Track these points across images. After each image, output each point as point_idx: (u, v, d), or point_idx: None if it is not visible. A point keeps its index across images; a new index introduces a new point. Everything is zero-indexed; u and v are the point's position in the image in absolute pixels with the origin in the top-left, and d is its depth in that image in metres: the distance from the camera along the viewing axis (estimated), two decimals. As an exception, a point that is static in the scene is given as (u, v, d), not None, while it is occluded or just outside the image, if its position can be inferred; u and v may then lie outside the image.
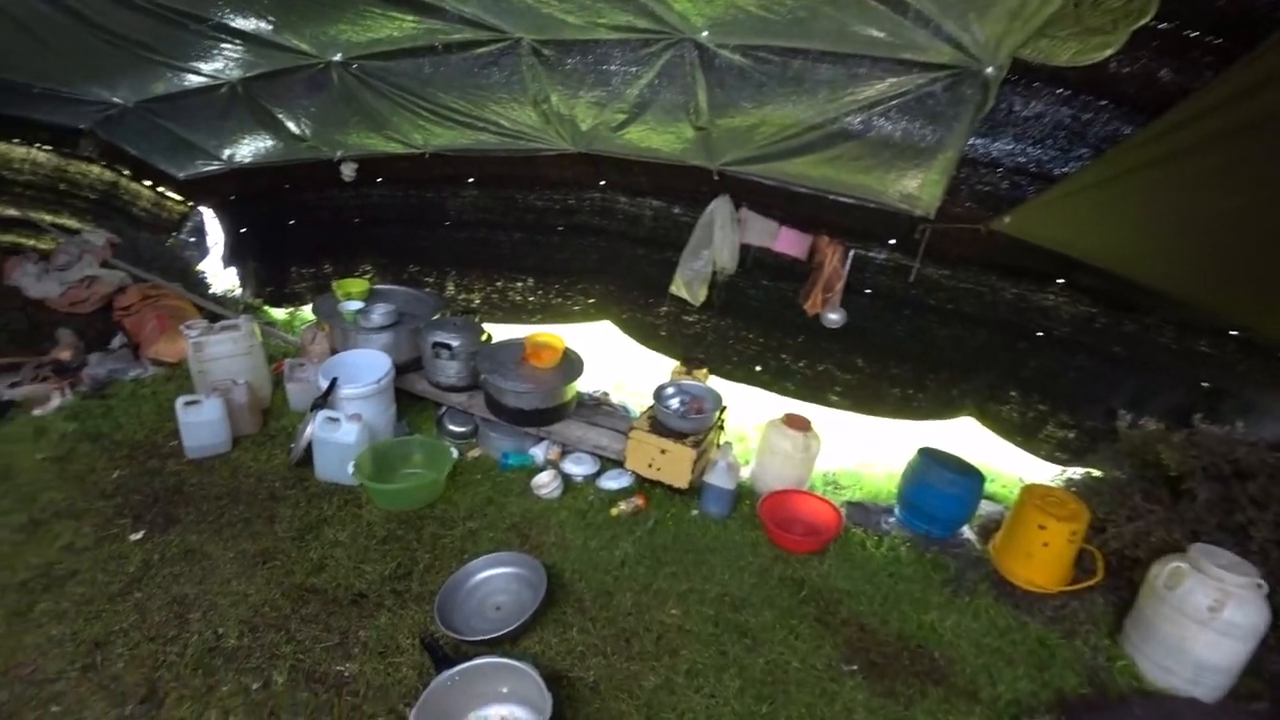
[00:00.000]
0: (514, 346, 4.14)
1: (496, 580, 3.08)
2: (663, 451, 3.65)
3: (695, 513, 3.74)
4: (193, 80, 4.63)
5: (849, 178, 3.58)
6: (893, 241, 3.96)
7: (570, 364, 4.03)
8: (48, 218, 5.80)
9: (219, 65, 4.39)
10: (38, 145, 5.50)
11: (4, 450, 4.07)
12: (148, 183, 6.30)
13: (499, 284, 5.38)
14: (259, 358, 4.35)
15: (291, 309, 6.58)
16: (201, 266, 6.64)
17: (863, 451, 4.69)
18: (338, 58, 4.10)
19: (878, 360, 4.35)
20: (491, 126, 4.27)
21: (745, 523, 3.73)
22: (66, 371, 4.93)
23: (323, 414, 3.62)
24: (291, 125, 5.02)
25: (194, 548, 3.28)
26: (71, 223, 5.95)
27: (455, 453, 3.85)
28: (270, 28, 3.76)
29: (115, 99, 5.04)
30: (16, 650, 2.80)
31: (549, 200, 4.96)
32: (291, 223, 6.41)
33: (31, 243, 5.73)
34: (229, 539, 3.35)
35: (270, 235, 6.53)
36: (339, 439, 3.58)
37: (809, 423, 3.91)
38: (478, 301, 5.52)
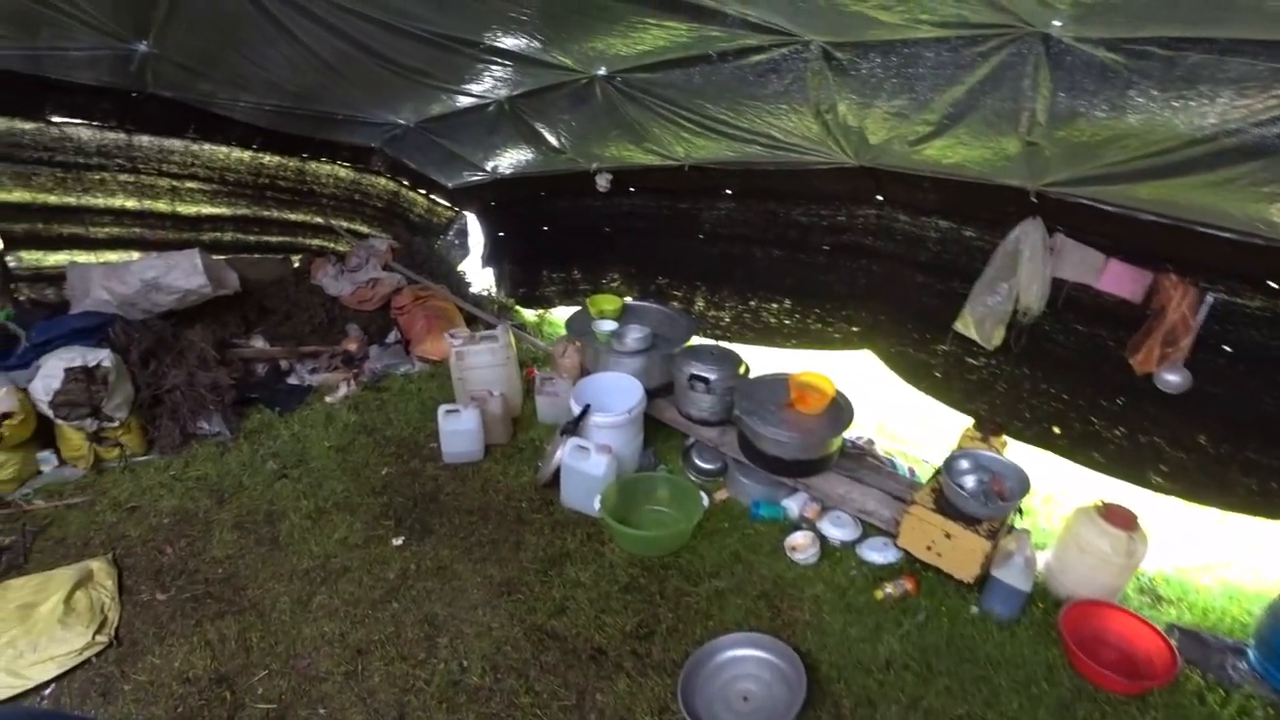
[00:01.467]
0: (775, 384, 3.73)
1: (746, 664, 2.73)
2: (947, 536, 3.05)
3: (976, 610, 3.08)
4: (464, 101, 4.83)
5: (1241, 208, 2.69)
6: (1277, 285, 2.94)
7: (839, 412, 3.54)
8: (344, 224, 6.51)
9: (488, 85, 4.50)
10: (339, 162, 6.17)
11: (303, 434, 4.54)
12: (422, 191, 6.87)
13: (752, 303, 5.02)
14: (513, 369, 4.44)
15: (542, 311, 6.81)
16: (463, 267, 7.10)
17: (1193, 553, 3.67)
18: (602, 72, 3.97)
19: (1229, 438, 3.27)
20: (761, 139, 3.90)
21: (1038, 633, 2.98)
22: (353, 362, 5.45)
23: (573, 442, 3.53)
24: (551, 138, 5.07)
25: (445, 564, 3.34)
26: (362, 229, 6.65)
27: (705, 501, 3.55)
28: (539, 46, 3.73)
29: (400, 120, 5.48)
30: (297, 640, 2.99)
31: (815, 216, 4.48)
32: (545, 229, 6.60)
33: (332, 246, 6.47)
34: (477, 560, 3.36)
35: (525, 240, 6.80)
36: (588, 470, 3.46)
37: (1135, 519, 3.05)
38: (728, 319, 5.22)
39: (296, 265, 6.14)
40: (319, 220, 6.29)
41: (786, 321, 4.89)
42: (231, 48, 4.02)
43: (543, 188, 6.14)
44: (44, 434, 4.23)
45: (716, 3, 2.87)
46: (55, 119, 4.79)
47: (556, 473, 3.65)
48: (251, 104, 4.80)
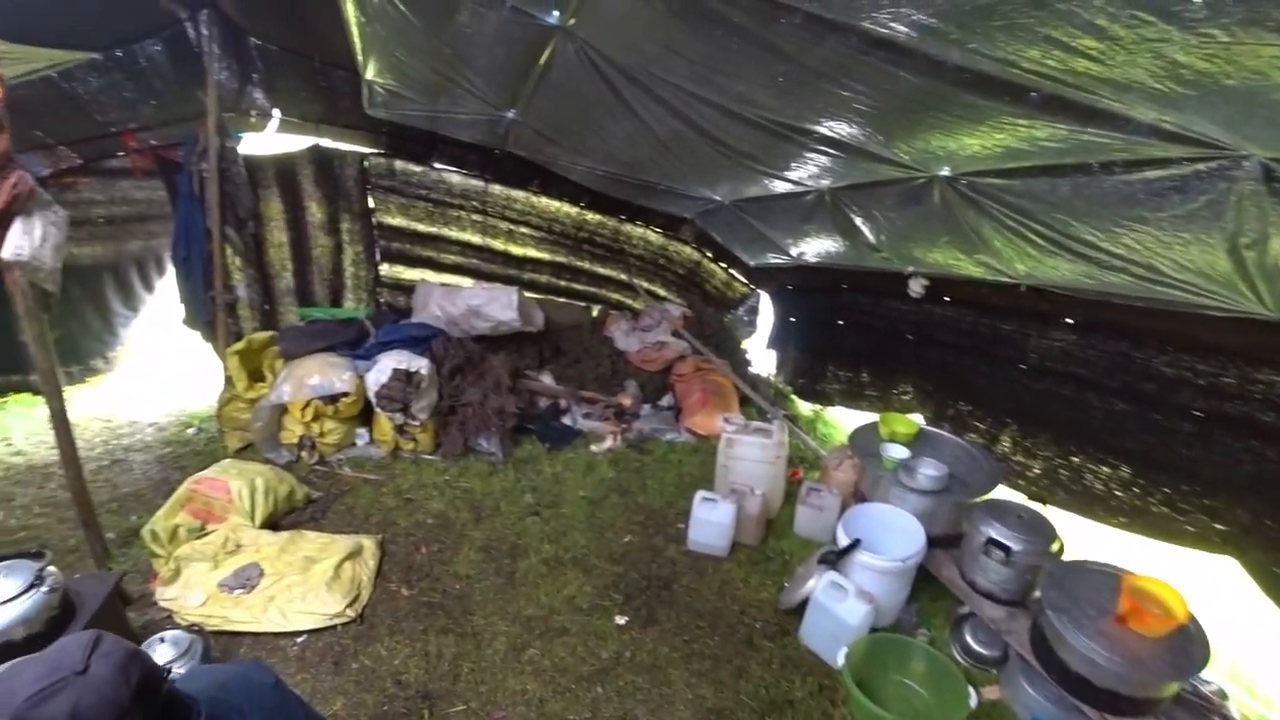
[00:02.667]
0: (1100, 580, 2.88)
1: None
2: None
3: None
4: (781, 186, 4.73)
5: None
6: None
7: (1188, 645, 2.60)
8: (644, 285, 6.81)
9: (812, 174, 4.34)
10: (651, 227, 6.50)
11: (563, 477, 4.68)
12: (723, 265, 6.95)
13: (1075, 459, 4.13)
14: (780, 469, 4.11)
15: (818, 407, 6.41)
16: (747, 345, 6.98)
17: None
18: (945, 173, 3.57)
19: None
20: (1136, 268, 3.18)
21: None
22: (624, 416, 5.57)
23: (831, 577, 3.09)
24: (869, 234, 4.75)
25: (660, 665, 3.08)
26: (660, 291, 6.89)
27: (972, 696, 2.77)
28: (880, 140, 3.45)
29: (715, 197, 5.58)
30: (499, 689, 2.93)
31: (1187, 370, 3.54)
32: (840, 322, 6.24)
33: (629, 303, 6.79)
34: (694, 674, 3.05)
35: (816, 329, 6.49)
36: (840, 614, 3.00)
37: None
38: (1038, 471, 4.37)
39: (595, 315, 6.57)
40: (623, 277, 6.68)
41: (1119, 494, 3.91)
42: (580, 120, 4.39)
43: (846, 280, 5.81)
44: (365, 415, 4.91)
45: (1123, 105, 2.37)
46: (436, 165, 5.74)
47: (803, 602, 3.22)
48: (587, 168, 5.25)
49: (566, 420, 5.49)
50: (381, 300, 6.27)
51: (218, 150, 4.77)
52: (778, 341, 6.98)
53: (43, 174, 5.28)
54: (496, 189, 5.92)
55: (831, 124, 3.45)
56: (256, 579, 3.47)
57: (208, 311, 5.10)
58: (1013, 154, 3.10)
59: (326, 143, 5.56)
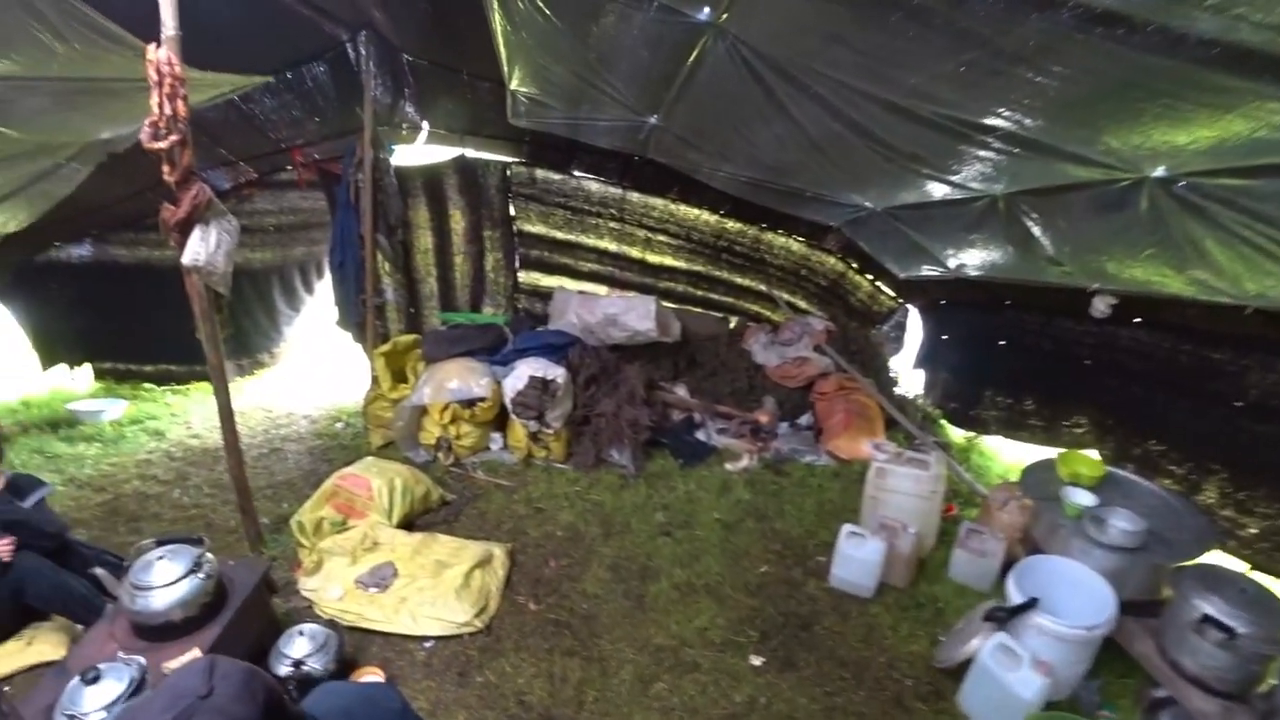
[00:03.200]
0: None
1: None
2: None
3: None
4: (942, 191, 4.26)
5: None
6: None
7: None
8: (785, 296, 6.47)
9: (987, 176, 3.86)
10: (794, 236, 6.15)
11: (696, 496, 4.45)
12: (869, 277, 6.47)
13: (1309, 519, 3.42)
14: (935, 505, 3.67)
15: (973, 435, 5.81)
16: (894, 363, 6.45)
17: None
18: (1160, 173, 3.02)
19: None
20: None
21: None
22: (760, 434, 5.28)
23: (1000, 639, 2.65)
24: (1048, 245, 4.18)
25: (798, 716, 2.78)
26: (801, 303, 6.52)
27: None
28: (1082, 135, 2.95)
29: (867, 204, 5.15)
30: (622, 721, 2.75)
31: None
32: (1001, 342, 5.63)
33: (769, 315, 6.48)
34: (833, 732, 2.73)
35: (972, 348, 5.89)
36: (1011, 684, 2.56)
37: None
38: (1255, 532, 3.66)
39: (732, 326, 6.31)
40: (762, 288, 6.38)
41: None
42: (726, 124, 4.16)
43: (1011, 296, 5.22)
44: (500, 421, 4.92)
45: None
46: (576, 173, 5.71)
47: (964, 663, 2.80)
48: (729, 174, 5.01)
49: (701, 435, 5.27)
50: (519, 306, 6.34)
51: (372, 162, 4.97)
52: (927, 361, 6.41)
53: (225, 187, 5.76)
54: (634, 196, 5.82)
55: (1021, 118, 3.01)
56: (390, 579, 3.49)
57: (358, 313, 5.33)
58: (1260, 147, 2.56)
59: (471, 153, 5.68)
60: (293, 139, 5.39)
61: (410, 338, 5.24)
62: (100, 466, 5.05)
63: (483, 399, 4.71)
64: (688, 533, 3.99)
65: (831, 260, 6.34)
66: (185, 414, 6.02)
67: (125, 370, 6.53)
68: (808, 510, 4.23)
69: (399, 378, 5.07)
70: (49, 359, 6.21)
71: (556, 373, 4.70)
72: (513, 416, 4.72)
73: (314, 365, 7.03)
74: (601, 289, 6.34)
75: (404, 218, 5.47)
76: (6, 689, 2.92)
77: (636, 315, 5.32)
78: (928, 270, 5.77)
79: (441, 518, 4.21)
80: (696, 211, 5.91)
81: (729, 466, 4.81)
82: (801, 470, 4.78)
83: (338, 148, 5.29)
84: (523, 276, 6.26)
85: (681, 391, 5.58)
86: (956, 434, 5.75)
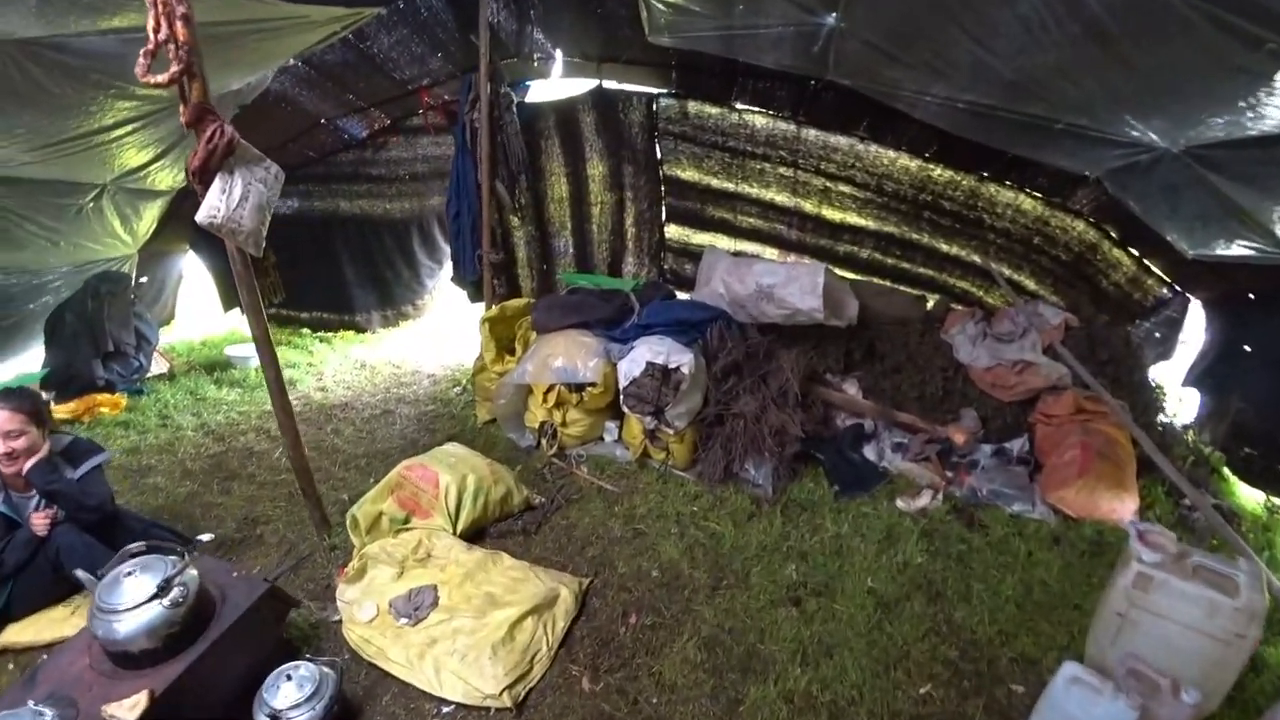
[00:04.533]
0: None
1: None
2: None
3: None
4: None
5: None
6: None
7: None
8: (1007, 272, 4.83)
9: None
10: (1026, 190, 4.47)
11: (848, 545, 3.27)
12: (1133, 252, 4.59)
13: None
14: (1238, 656, 2.10)
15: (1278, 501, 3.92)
16: (1159, 380, 4.57)
17: None
18: None
19: None
20: None
21: None
22: (950, 459, 3.92)
23: None
24: None
25: None
26: (1029, 283, 4.85)
27: None
28: None
29: (1155, 140, 3.39)
30: None
31: None
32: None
33: (981, 296, 4.90)
34: None
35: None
36: None
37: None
38: None
39: (930, 308, 4.83)
40: (976, 259, 4.80)
41: None
42: (939, 17, 2.79)
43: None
44: (617, 408, 4.04)
45: None
46: (738, 105, 4.53)
47: None
48: (940, 99, 3.53)
49: (869, 451, 4.02)
50: (665, 267, 5.38)
51: (489, 98, 4.20)
52: (1211, 380, 4.43)
53: (362, 135, 5.42)
54: (811, 134, 4.52)
55: None
56: (427, 609, 2.80)
57: (474, 270, 4.68)
58: None
59: (611, 85, 4.73)
60: (418, 78, 4.85)
61: (521, 303, 4.50)
62: (231, 414, 4.97)
63: (592, 383, 3.84)
64: (825, 603, 2.85)
65: (1080, 226, 4.58)
66: (322, 364, 5.88)
67: (286, 316, 6.62)
68: (1007, 595, 2.88)
69: (507, 348, 4.37)
70: (227, 301, 6.49)
71: (683, 359, 3.70)
72: (614, 427, 3.82)
73: (451, 321, 6.69)
74: (768, 251, 5.17)
75: (529, 163, 4.67)
76: (44, 657, 2.64)
77: (799, 289, 4.12)
78: (1236, 245, 3.88)
79: (520, 525, 3.45)
80: (892, 154, 4.48)
81: (901, 504, 3.55)
82: (1005, 524, 3.38)
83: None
84: (670, 231, 5.26)
85: (851, 390, 4.32)
86: (1250, 495, 3.91)
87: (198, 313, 7.19)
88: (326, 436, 4.58)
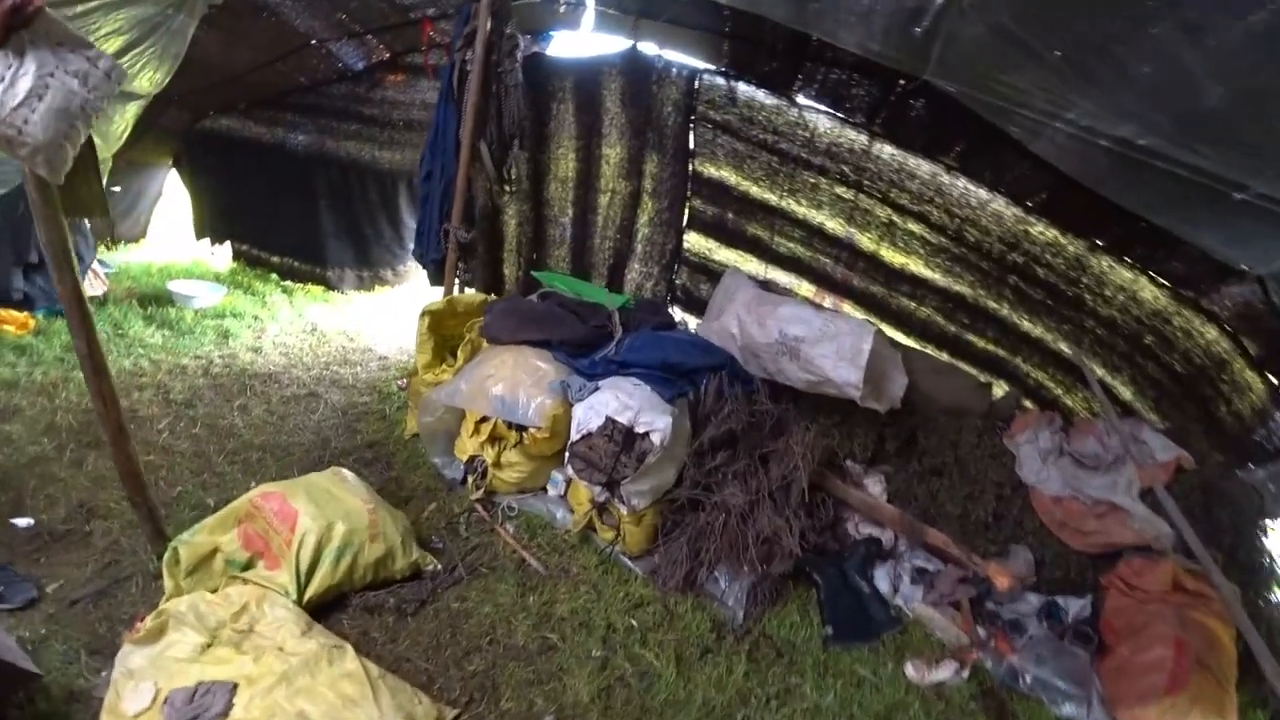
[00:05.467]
0: None
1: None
2: None
3: None
4: None
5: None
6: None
7: None
8: (1102, 374, 3.75)
9: None
10: (1151, 273, 3.38)
11: (825, 717, 2.33)
12: (1272, 375, 3.47)
13: None
14: None
15: None
16: (1273, 542, 3.46)
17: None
18: None
19: None
20: None
21: None
22: (984, 608, 2.94)
23: None
24: None
25: None
26: (1124, 392, 3.77)
27: None
28: None
29: None
30: None
31: None
32: None
33: (1064, 400, 3.85)
34: None
35: None
36: None
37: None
38: None
39: (995, 400, 3.77)
40: (1063, 348, 3.75)
41: None
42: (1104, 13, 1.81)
43: None
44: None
45: None
46: (800, 98, 3.54)
47: None
48: (1076, 129, 2.50)
49: (881, 577, 3.05)
50: (677, 282, 4.43)
51: (487, 37, 3.29)
52: None
53: (359, 67, 4.65)
54: (886, 151, 3.51)
55: None
56: (213, 717, 1.94)
57: (438, 247, 3.79)
58: None
59: (648, 49, 3.78)
60: (422, 5, 3.99)
61: (477, 298, 3.59)
62: (141, 361, 4.24)
63: (535, 426, 2.94)
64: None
65: (1211, 333, 3.49)
66: (270, 320, 5.07)
67: (256, 256, 5.90)
68: None
69: (452, 350, 3.48)
70: (200, 229, 5.96)
71: (657, 423, 2.76)
72: (562, 479, 2.92)
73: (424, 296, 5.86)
74: (802, 284, 4.19)
75: (523, 123, 3.74)
76: None
77: (835, 352, 3.15)
78: None
79: (396, 601, 2.57)
80: (984, 194, 3.45)
81: (911, 672, 2.59)
82: (1051, 727, 2.41)
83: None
84: (690, 240, 4.30)
85: (875, 489, 3.34)
86: None
87: (172, 236, 6.48)
88: (228, 414, 3.76)
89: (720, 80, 3.69)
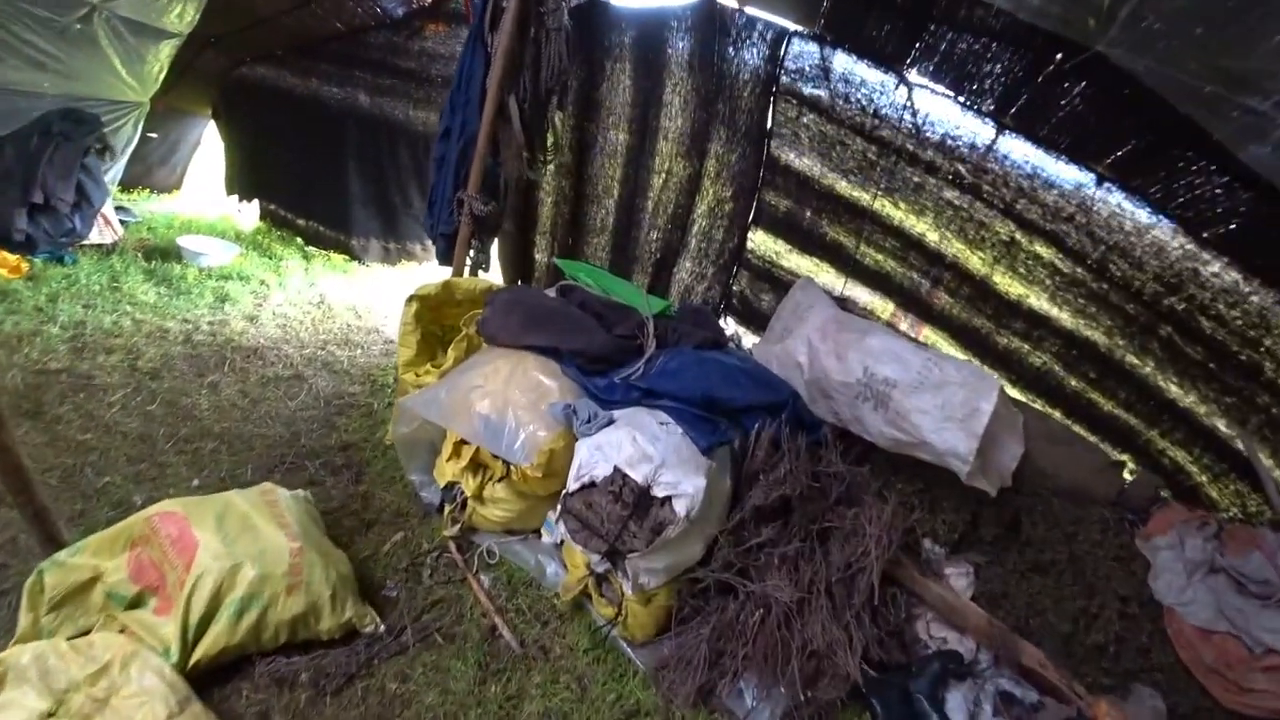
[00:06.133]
0: None
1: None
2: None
3: None
4: None
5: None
6: None
7: None
8: (1269, 465, 2.86)
9: None
10: None
11: None
12: None
13: None
14: None
15: None
16: None
17: None
18: None
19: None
20: None
21: None
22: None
23: None
24: None
25: None
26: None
27: None
28: None
29: None
30: None
31: None
32: None
33: (1213, 496, 2.97)
34: None
35: None
36: None
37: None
38: None
39: (1127, 485, 2.90)
40: (1221, 426, 2.88)
41: None
42: None
43: None
44: (575, 495, 2.45)
45: None
46: (912, 75, 2.78)
47: None
48: None
49: (956, 708, 2.29)
50: (734, 288, 3.72)
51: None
52: None
53: (399, 14, 4.12)
54: (1017, 149, 2.71)
55: None
56: None
57: (449, 219, 3.16)
58: None
59: (730, 1, 3.06)
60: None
61: (483, 283, 2.93)
62: (123, 320, 3.84)
63: (520, 463, 2.28)
64: None
65: None
66: (277, 288, 4.57)
67: (283, 217, 5.52)
68: None
69: (443, 345, 2.86)
70: (230, 184, 5.66)
71: (685, 487, 2.06)
72: (560, 528, 2.26)
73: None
74: (887, 306, 3.43)
75: (563, 77, 3.07)
76: None
77: (939, 409, 2.39)
78: None
79: (312, 675, 1.97)
80: (1146, 217, 2.62)
81: None
82: None
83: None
84: (756, 239, 3.57)
85: (960, 583, 2.57)
86: None
87: (208, 190, 6.12)
88: (194, 391, 3.25)
89: (813, 46, 2.94)
